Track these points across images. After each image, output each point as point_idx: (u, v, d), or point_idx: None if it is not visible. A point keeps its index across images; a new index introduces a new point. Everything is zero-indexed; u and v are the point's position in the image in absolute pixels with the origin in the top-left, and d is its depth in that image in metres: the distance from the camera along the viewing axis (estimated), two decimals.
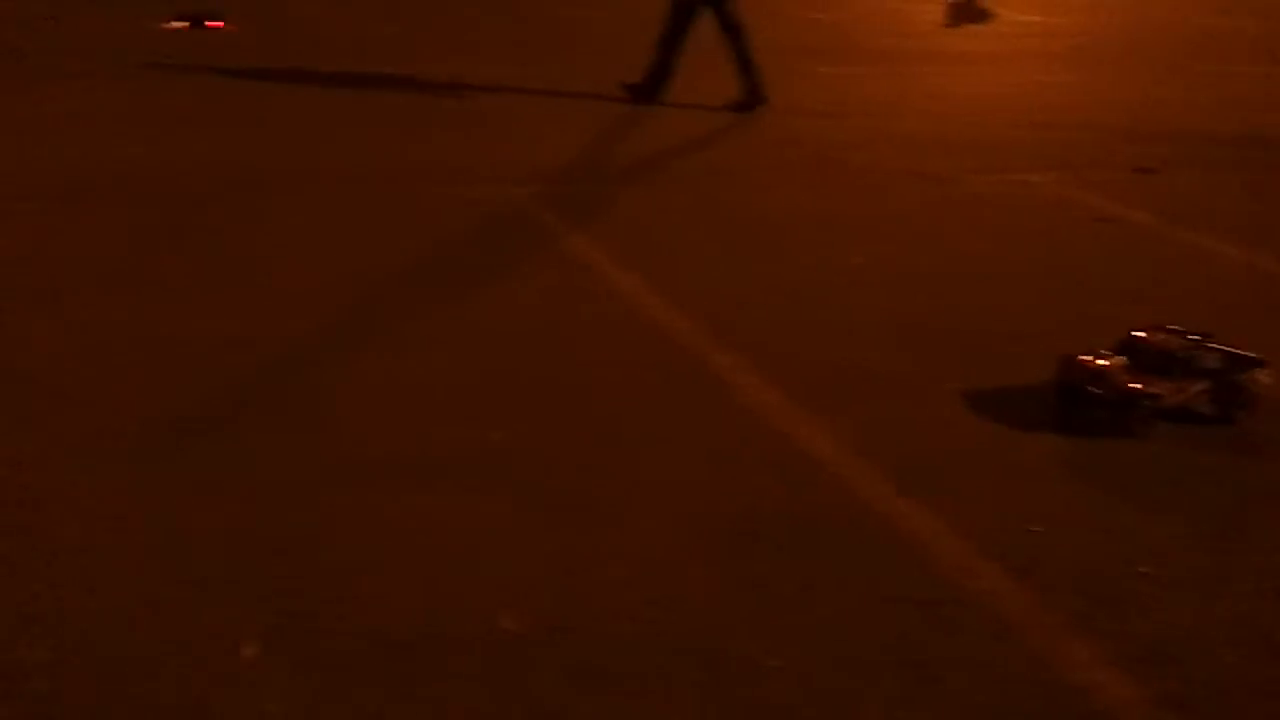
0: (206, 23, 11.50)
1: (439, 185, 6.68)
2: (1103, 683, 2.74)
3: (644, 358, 4.45)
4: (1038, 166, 7.60)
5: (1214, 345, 4.10)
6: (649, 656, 2.75)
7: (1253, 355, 4.08)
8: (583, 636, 2.81)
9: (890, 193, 6.90)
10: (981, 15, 14.63)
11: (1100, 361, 4.00)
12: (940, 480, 3.61)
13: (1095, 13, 15.85)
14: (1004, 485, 3.61)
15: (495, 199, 6.40)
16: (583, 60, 10.60)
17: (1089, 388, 3.94)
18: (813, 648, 2.81)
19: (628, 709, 2.59)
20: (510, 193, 6.51)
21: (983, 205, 6.71)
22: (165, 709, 2.53)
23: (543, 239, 5.82)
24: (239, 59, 10.13)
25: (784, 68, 10.83)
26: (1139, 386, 3.93)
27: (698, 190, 6.84)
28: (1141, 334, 4.14)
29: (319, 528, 3.24)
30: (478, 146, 7.73)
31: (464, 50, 11.12)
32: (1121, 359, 4.03)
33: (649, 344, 4.58)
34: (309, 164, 7.07)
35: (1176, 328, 4.19)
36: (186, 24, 11.47)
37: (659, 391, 4.18)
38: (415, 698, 2.59)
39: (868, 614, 2.95)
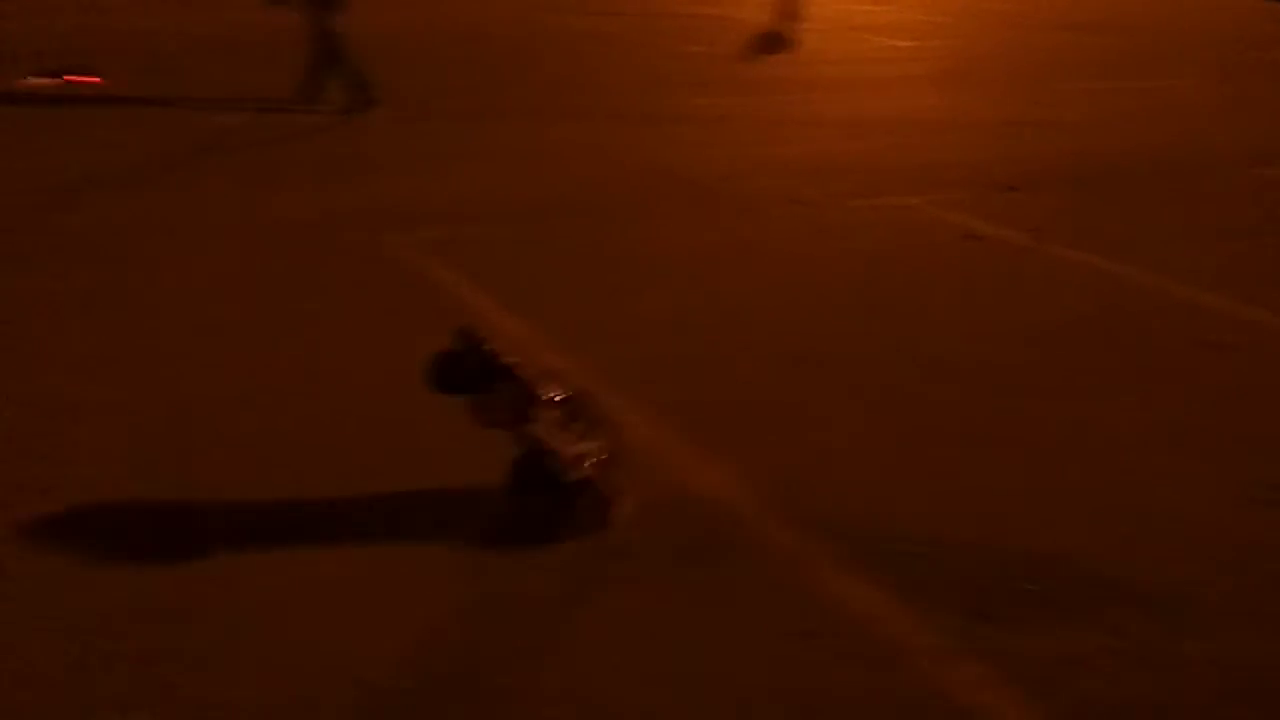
0: (66, 77, 11.17)
1: (316, 231, 6.57)
2: None
3: None
4: (910, 189, 7.72)
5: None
6: None
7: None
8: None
9: (765, 221, 6.95)
10: (784, 43, 14.84)
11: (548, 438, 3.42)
12: (816, 506, 3.62)
13: (962, 36, 16.23)
14: (874, 498, 3.64)
15: (370, 244, 6.30)
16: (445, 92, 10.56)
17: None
18: (694, 687, 2.79)
19: None
20: (384, 238, 6.41)
21: (857, 230, 6.79)
22: None
23: (417, 283, 5.72)
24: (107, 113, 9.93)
25: (660, 99, 10.95)
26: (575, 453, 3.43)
27: (574, 226, 6.82)
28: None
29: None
30: (344, 193, 7.57)
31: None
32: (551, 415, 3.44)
33: None
34: (186, 217, 6.91)
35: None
36: (46, 80, 11.14)
37: None
38: None
39: (751, 649, 2.93)
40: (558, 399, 3.45)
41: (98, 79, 11.25)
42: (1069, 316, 5.35)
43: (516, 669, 2.84)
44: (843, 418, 4.26)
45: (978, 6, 19.38)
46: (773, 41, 14.98)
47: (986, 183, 7.87)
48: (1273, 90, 13.01)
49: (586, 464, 3.42)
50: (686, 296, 5.60)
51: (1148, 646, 2.98)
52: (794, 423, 4.22)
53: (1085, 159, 8.85)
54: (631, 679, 2.80)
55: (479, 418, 3.40)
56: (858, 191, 7.66)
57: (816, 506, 3.63)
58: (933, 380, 4.59)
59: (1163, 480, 3.85)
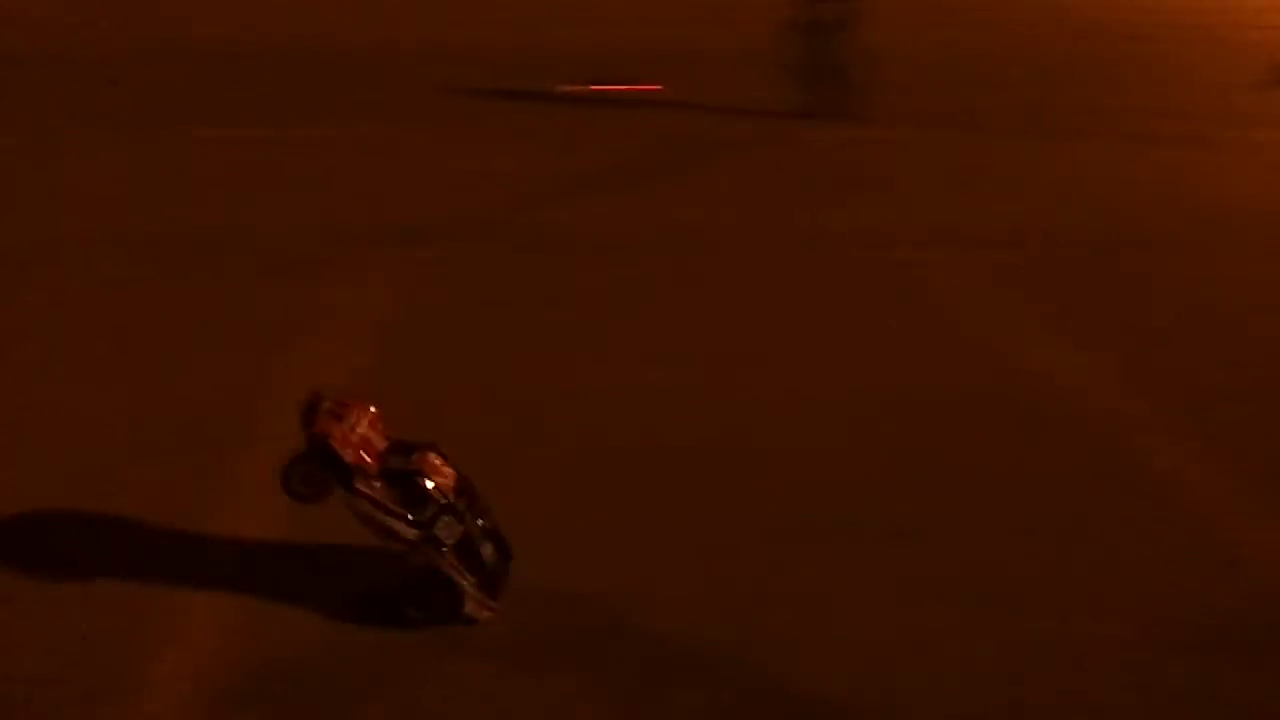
0: (595, 85, 11.68)
1: (855, 249, 6.55)
2: None
3: (1084, 443, 4.26)
4: None
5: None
6: None
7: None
8: None
9: None
10: None
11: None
12: None
13: None
14: None
15: (906, 263, 6.24)
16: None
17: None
18: None
19: None
20: (919, 256, 6.32)
21: None
22: None
23: (966, 308, 5.57)
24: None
25: (1197, 128, 10.20)
26: None
27: (1132, 260, 6.48)
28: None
29: (750, 578, 3.33)
30: (868, 208, 7.48)
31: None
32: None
33: (1090, 429, 4.34)
34: (738, 229, 7.08)
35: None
36: (582, 87, 11.70)
37: (1095, 479, 3.95)
38: None
39: None
40: (382, 477, 3.14)
41: (657, 87, 11.60)
42: None
43: None
44: None
45: None
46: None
47: None
48: None
49: (441, 549, 3.12)
50: (1242, 345, 5.14)
51: None
52: None
53: None
54: None
55: (284, 488, 3.20)
56: None
57: None
58: None
59: None
